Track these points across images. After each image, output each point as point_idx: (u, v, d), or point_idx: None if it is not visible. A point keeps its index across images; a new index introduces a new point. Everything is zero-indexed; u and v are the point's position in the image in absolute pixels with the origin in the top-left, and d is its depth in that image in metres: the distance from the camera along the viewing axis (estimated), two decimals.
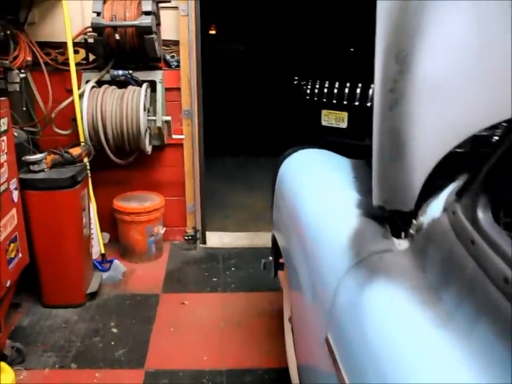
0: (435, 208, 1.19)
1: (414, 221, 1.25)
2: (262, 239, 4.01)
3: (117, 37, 3.19)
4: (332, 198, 1.67)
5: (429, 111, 1.33)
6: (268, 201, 4.70)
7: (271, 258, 2.72)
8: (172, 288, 3.28)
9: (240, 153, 6.59)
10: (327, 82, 5.90)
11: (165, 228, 3.68)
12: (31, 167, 2.76)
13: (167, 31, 3.52)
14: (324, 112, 5.91)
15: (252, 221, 4.42)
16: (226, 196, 5.04)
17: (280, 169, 2.33)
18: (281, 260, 2.55)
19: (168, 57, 3.58)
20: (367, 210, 1.46)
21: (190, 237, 3.76)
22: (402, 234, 1.32)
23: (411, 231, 1.25)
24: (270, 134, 6.86)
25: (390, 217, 1.37)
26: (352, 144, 5.97)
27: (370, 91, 5.58)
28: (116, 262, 3.38)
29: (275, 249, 2.53)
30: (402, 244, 1.25)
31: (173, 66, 3.59)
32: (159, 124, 3.39)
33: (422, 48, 1.34)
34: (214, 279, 3.40)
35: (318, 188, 1.83)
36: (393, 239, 1.29)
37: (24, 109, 3.32)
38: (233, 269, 3.56)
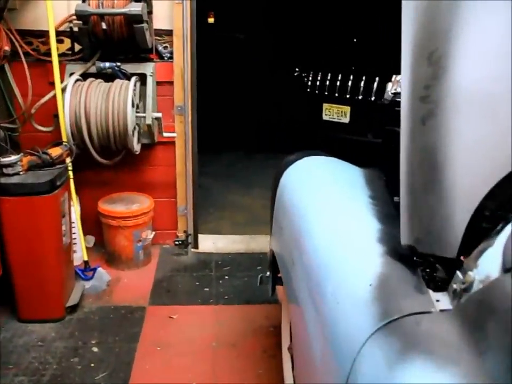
0: (491, 262, 0.92)
1: (458, 273, 1.00)
2: (259, 244, 3.78)
3: (104, 26, 2.92)
4: (346, 225, 1.42)
5: (474, 124, 1.07)
6: (266, 201, 4.46)
7: (268, 273, 2.48)
8: (159, 299, 3.03)
9: (237, 149, 6.32)
10: (329, 74, 5.62)
11: (154, 232, 3.43)
12: (5, 170, 2.49)
13: (160, 20, 3.24)
14: (325, 106, 5.64)
15: (248, 223, 4.18)
16: (221, 195, 4.79)
17: (282, 179, 2.07)
18: (279, 275, 2.30)
19: (160, 48, 3.30)
20: (391, 247, 1.21)
21: (180, 242, 3.51)
22: (434, 283, 1.08)
23: (455, 286, 0.99)
24: (269, 128, 6.58)
25: (423, 262, 1.13)
26: (355, 140, 5.73)
27: (375, 84, 5.31)
28: (100, 270, 3.13)
29: (273, 264, 2.30)
30: (442, 302, 0.99)
31: (166, 58, 3.31)
32: (149, 121, 3.12)
33: (461, 47, 1.09)
34: (206, 289, 3.16)
35: (328, 209, 1.57)
36: (430, 292, 1.03)
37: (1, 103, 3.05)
38: (227, 277, 3.32)
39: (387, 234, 1.30)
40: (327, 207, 1.60)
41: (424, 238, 1.12)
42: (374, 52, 5.77)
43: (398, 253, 1.18)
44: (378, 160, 2.32)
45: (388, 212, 1.53)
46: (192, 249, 3.62)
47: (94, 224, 3.40)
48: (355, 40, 6.47)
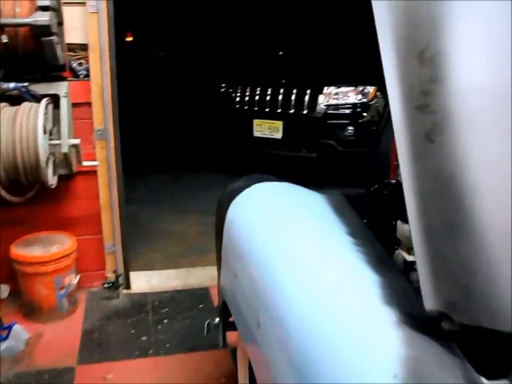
0: None
1: None
2: (196, 278, 3.42)
3: (5, 39, 2.48)
4: (333, 278, 1.09)
5: (499, 135, 0.80)
6: (201, 227, 4.11)
7: (217, 320, 2.12)
8: (90, 356, 2.59)
9: (164, 171, 5.92)
10: (258, 89, 5.37)
11: (78, 276, 2.98)
12: None
13: (73, 32, 2.84)
14: (256, 122, 5.38)
15: (184, 254, 3.80)
16: (151, 224, 4.37)
17: (230, 212, 1.73)
18: (231, 319, 1.95)
19: (74, 64, 2.89)
20: (405, 310, 0.91)
21: (110, 284, 3.08)
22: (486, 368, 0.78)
23: None
24: (197, 147, 6.24)
25: (459, 333, 0.83)
26: (289, 156, 5.50)
27: (306, 97, 5.11)
28: (16, 327, 2.64)
29: (223, 311, 1.96)
30: None
31: (81, 76, 2.91)
32: (65, 149, 2.69)
33: (458, 38, 0.81)
34: (143, 338, 2.75)
35: (301, 253, 1.25)
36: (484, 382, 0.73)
37: None
38: (165, 321, 2.92)
39: (392, 290, 1.00)
40: (299, 250, 1.28)
41: (461, 302, 0.82)
42: (302, 64, 5.59)
43: (418, 319, 0.88)
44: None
45: (375, 253, 1.24)
46: (124, 290, 3.20)
47: (8, 271, 2.90)
48: (280, 53, 6.28)
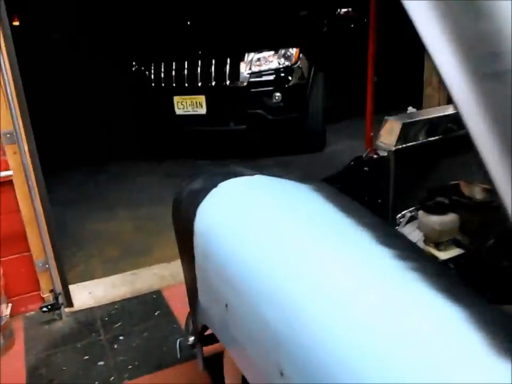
0: None
1: None
2: (144, 281, 3.11)
3: None
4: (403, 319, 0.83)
5: None
6: (137, 221, 3.78)
7: (192, 339, 1.83)
8: None
9: (84, 163, 5.42)
10: (173, 63, 4.99)
11: (10, 305, 2.58)
12: None
13: None
14: (176, 98, 5.01)
15: (124, 256, 3.45)
16: (80, 226, 3.95)
17: (198, 222, 1.42)
18: (208, 331, 1.68)
19: None
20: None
21: (49, 307, 2.69)
22: None
23: None
24: (115, 133, 5.78)
25: None
26: (216, 131, 5.19)
27: (227, 67, 4.80)
28: None
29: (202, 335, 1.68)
30: None
31: None
32: None
33: None
34: (100, 363, 2.41)
35: (331, 275, 0.97)
36: None
37: None
38: (121, 338, 2.59)
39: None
40: (326, 274, 0.98)
41: None
42: (217, 31, 5.25)
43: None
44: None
45: (424, 262, 0.97)
46: (66, 309, 2.82)
47: None
48: (188, 22, 5.89)
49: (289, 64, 4.83)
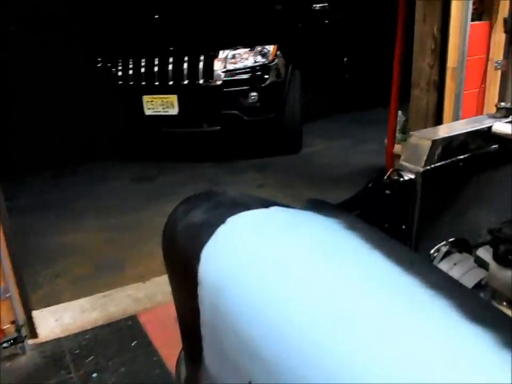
0: None
1: None
2: (118, 304, 2.82)
3: None
4: None
5: None
6: (109, 232, 3.52)
7: None
8: None
9: (47, 166, 5.00)
10: (143, 60, 4.66)
11: None
12: None
13: None
14: (145, 98, 4.68)
15: (93, 274, 3.13)
16: (43, 239, 3.60)
17: (203, 268, 1.13)
18: None
19: None
20: None
21: (11, 341, 2.37)
22: None
23: None
24: (81, 134, 5.39)
25: None
26: (188, 132, 4.89)
27: (201, 64, 4.51)
28: None
29: None
30: None
31: None
32: None
33: None
34: None
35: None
36: None
37: None
38: (95, 375, 2.29)
39: None
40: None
41: None
42: (189, 26, 4.93)
43: None
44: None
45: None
46: (30, 341, 2.50)
47: None
48: (156, 16, 5.54)
49: (266, 62, 4.58)
